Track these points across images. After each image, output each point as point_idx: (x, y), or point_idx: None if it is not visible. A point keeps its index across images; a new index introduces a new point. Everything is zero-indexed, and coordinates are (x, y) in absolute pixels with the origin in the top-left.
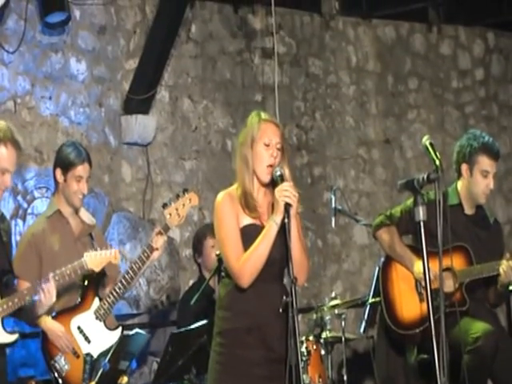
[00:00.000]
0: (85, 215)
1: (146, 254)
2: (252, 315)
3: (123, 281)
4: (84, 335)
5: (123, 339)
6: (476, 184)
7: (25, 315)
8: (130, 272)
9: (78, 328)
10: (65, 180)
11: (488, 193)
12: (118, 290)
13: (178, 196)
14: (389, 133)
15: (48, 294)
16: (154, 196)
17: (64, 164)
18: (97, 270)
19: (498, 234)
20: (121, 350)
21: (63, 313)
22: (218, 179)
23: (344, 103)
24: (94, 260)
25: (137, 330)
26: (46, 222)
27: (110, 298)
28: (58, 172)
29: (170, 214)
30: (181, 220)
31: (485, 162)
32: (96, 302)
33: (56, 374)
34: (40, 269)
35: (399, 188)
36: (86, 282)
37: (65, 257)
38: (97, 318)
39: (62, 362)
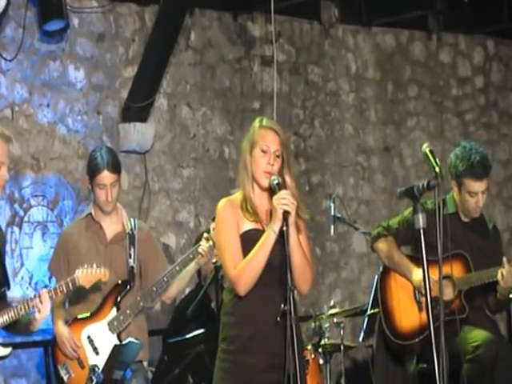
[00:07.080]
0: (123, 220)
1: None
2: (255, 321)
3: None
4: (93, 346)
5: (117, 349)
6: (465, 202)
7: (20, 330)
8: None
9: (88, 338)
10: (92, 187)
11: (479, 209)
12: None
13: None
14: (388, 140)
15: (42, 310)
16: (151, 204)
17: (89, 172)
18: (87, 286)
19: (497, 241)
20: (114, 359)
21: (77, 321)
22: (215, 186)
23: (343, 111)
24: (84, 277)
25: (130, 338)
26: (78, 223)
27: (128, 310)
28: (87, 179)
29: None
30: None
31: (470, 185)
32: (112, 313)
33: (58, 381)
34: (68, 269)
35: (399, 195)
36: (108, 291)
37: (93, 260)
38: (110, 329)
39: (64, 371)
